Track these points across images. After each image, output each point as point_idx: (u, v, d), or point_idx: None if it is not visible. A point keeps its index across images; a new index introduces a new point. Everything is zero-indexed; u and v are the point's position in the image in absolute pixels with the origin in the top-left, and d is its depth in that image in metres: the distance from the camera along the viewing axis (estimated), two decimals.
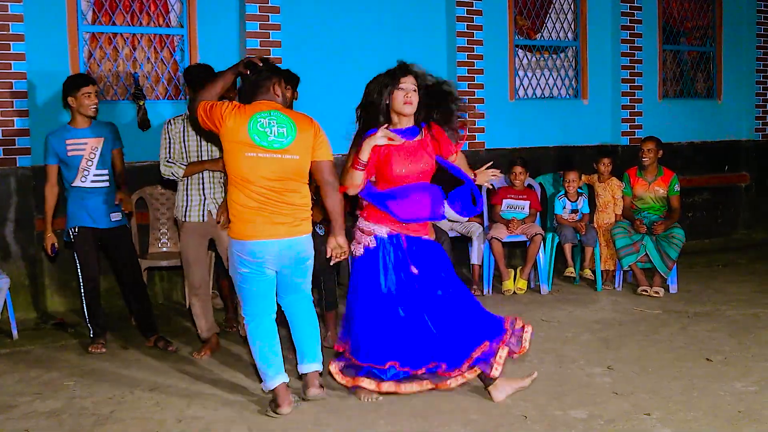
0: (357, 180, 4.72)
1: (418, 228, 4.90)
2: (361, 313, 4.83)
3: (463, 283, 5.00)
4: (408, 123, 4.81)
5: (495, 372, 4.72)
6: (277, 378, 4.70)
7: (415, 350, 4.73)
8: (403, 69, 4.77)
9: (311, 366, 4.87)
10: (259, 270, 4.68)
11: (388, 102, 4.74)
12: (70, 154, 5.88)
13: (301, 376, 4.93)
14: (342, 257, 4.88)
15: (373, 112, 4.78)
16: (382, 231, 4.82)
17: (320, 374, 4.94)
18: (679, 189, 7.87)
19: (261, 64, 4.74)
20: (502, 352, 4.75)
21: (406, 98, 4.70)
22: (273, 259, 4.65)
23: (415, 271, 4.82)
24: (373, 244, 4.82)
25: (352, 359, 4.85)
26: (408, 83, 4.73)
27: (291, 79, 6.05)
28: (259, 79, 4.70)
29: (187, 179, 5.70)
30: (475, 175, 4.97)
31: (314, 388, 4.85)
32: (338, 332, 5.11)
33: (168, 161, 5.70)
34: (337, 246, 4.81)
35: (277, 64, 5.01)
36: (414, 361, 4.71)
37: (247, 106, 4.64)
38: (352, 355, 4.86)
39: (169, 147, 5.71)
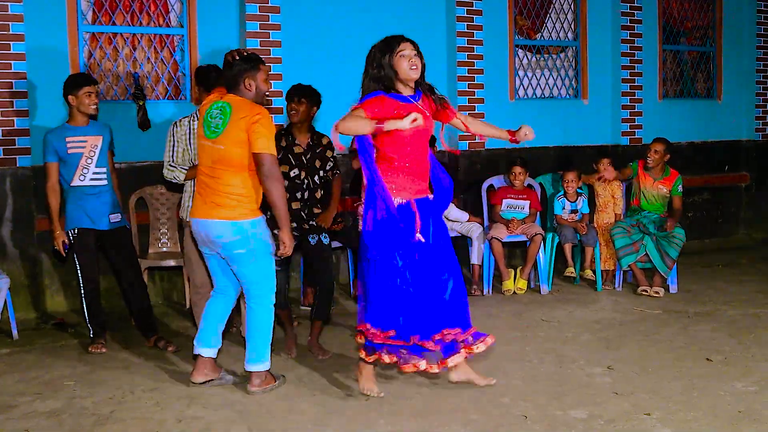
0: (360, 131, 4.66)
1: (424, 188, 4.94)
2: (375, 286, 4.84)
3: (455, 255, 5.05)
4: (409, 91, 4.85)
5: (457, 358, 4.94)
6: (198, 348, 5.13)
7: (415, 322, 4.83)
8: (398, 37, 4.82)
9: (249, 366, 5.06)
10: (203, 248, 5.10)
11: (392, 71, 4.76)
12: (70, 151, 5.88)
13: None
14: (286, 254, 4.92)
15: (380, 82, 4.80)
16: (394, 203, 4.81)
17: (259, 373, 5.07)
18: (682, 190, 7.90)
19: (237, 57, 4.89)
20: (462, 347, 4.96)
21: (410, 63, 4.73)
22: (200, 239, 5.03)
23: (422, 239, 4.82)
24: (382, 215, 4.81)
25: (373, 330, 4.86)
26: (407, 49, 4.75)
27: (305, 95, 5.88)
28: (231, 74, 4.90)
29: (194, 180, 5.70)
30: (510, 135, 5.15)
31: (251, 386, 5.04)
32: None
33: (170, 165, 5.73)
34: (281, 241, 4.87)
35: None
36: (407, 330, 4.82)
37: (213, 97, 4.99)
38: (374, 327, 4.85)
39: (173, 150, 5.74)
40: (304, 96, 5.84)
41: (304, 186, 5.72)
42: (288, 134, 5.80)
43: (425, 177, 4.94)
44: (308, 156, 5.78)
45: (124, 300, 6.44)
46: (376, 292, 4.82)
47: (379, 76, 4.79)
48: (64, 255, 6.08)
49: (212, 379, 5.15)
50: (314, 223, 5.79)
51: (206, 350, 5.13)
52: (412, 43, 4.81)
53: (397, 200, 4.81)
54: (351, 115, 4.67)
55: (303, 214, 5.71)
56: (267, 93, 4.98)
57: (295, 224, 5.65)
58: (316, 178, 5.82)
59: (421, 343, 4.81)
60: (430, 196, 5.00)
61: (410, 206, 4.82)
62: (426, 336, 4.82)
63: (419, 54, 4.81)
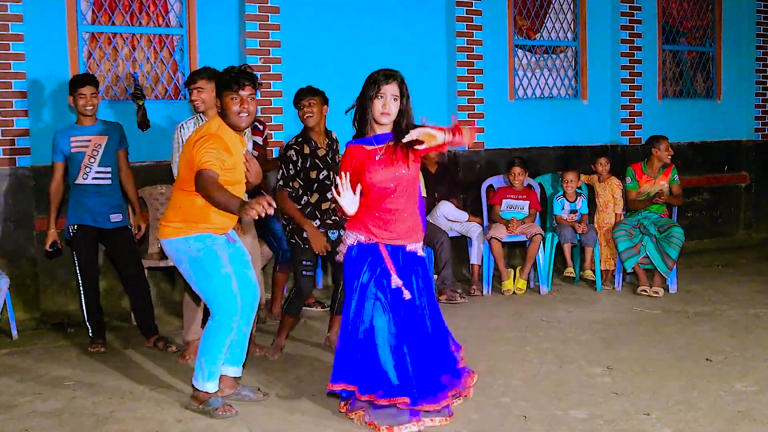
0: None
1: (401, 236, 4.65)
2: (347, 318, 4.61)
3: (436, 303, 4.83)
4: (386, 130, 4.59)
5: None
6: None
7: (394, 378, 4.47)
8: (386, 75, 4.53)
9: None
10: None
11: (369, 109, 4.54)
12: (73, 150, 5.95)
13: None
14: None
15: (360, 116, 4.62)
16: (361, 238, 4.62)
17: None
18: (678, 179, 8.02)
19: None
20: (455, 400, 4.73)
21: (383, 108, 4.50)
22: None
23: (398, 281, 4.59)
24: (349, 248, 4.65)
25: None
26: (388, 92, 4.50)
27: (316, 94, 5.81)
28: None
29: None
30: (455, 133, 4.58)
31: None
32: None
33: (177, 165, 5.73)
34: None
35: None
36: (394, 389, 4.45)
37: None
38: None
39: (178, 150, 5.74)
40: (316, 96, 5.79)
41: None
42: (309, 139, 5.77)
43: (403, 223, 4.64)
44: (330, 156, 5.78)
45: (129, 299, 6.44)
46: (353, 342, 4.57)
47: (359, 111, 4.60)
48: (50, 251, 6.13)
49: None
50: (337, 217, 5.77)
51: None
52: (399, 82, 4.53)
53: (362, 236, 4.60)
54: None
55: (332, 212, 5.75)
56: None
57: (330, 221, 5.77)
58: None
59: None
60: (411, 248, 4.69)
61: (377, 247, 4.60)
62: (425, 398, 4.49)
63: (400, 98, 4.52)
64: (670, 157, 7.89)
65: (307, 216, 5.72)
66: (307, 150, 5.72)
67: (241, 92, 4.59)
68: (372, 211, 4.61)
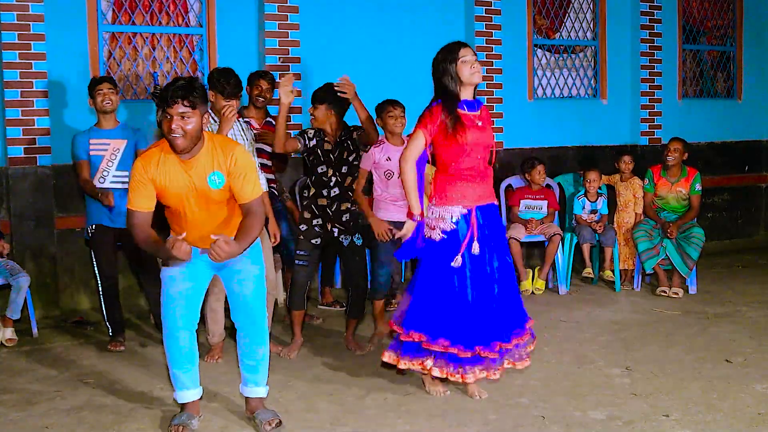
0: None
1: (487, 194, 4.94)
2: (427, 288, 4.84)
3: (511, 261, 5.09)
4: (471, 95, 4.88)
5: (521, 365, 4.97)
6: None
7: (471, 331, 4.77)
8: (459, 43, 4.87)
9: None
10: None
11: (454, 76, 4.80)
12: (92, 153, 5.99)
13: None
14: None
15: (442, 89, 4.84)
16: (456, 212, 4.82)
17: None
18: (700, 189, 7.82)
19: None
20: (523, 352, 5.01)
21: (472, 68, 4.77)
22: None
23: (477, 249, 4.82)
24: (451, 227, 4.82)
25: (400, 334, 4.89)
26: (468, 55, 4.80)
27: (320, 100, 5.72)
28: None
29: None
30: None
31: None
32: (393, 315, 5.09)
33: None
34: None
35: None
36: (467, 340, 4.75)
37: None
38: (401, 327, 4.87)
39: None
40: (321, 102, 5.66)
41: (332, 183, 5.68)
42: (318, 131, 5.73)
43: (487, 183, 4.95)
44: (336, 153, 5.70)
45: (145, 298, 6.48)
46: (427, 296, 4.85)
47: (443, 81, 4.83)
48: (113, 206, 5.89)
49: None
50: (347, 218, 5.78)
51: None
52: (472, 49, 4.88)
53: (458, 209, 4.83)
54: (412, 144, 4.82)
55: (329, 210, 5.71)
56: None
57: (320, 220, 5.74)
58: (343, 169, 5.73)
59: (484, 354, 4.77)
60: (496, 202, 5.04)
61: (470, 216, 4.83)
62: (487, 344, 4.79)
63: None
64: (684, 158, 7.78)
65: (303, 209, 5.81)
66: (315, 140, 5.70)
67: (169, 110, 4.09)
68: (455, 177, 4.85)
